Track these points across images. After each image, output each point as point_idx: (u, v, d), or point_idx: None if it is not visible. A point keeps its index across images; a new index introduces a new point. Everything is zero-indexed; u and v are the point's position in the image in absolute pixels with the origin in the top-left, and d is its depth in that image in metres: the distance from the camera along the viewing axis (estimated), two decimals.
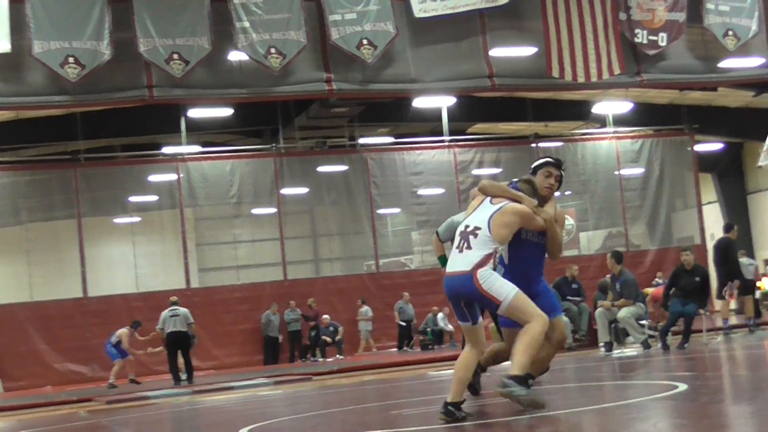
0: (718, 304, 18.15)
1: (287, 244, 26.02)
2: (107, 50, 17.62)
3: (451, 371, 6.86)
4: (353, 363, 20.98)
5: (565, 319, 16.93)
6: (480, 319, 7.05)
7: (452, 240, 9.41)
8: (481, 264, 6.84)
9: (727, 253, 17.61)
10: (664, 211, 29.05)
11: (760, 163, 28.10)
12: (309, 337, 24.88)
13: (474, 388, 8.40)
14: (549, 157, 7.94)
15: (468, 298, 6.93)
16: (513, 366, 6.77)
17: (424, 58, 19.96)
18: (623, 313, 15.12)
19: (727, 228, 18.48)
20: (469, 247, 6.95)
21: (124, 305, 23.61)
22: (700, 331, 15.85)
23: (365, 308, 25.28)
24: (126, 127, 25.80)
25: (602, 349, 15.37)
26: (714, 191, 37.49)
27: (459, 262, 6.99)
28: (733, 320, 17.71)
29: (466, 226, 7.11)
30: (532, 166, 7.75)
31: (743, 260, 26.67)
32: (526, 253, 7.44)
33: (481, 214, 7.09)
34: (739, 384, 9.07)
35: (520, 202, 7.10)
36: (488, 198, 7.20)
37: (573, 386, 9.97)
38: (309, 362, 23.98)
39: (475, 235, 6.96)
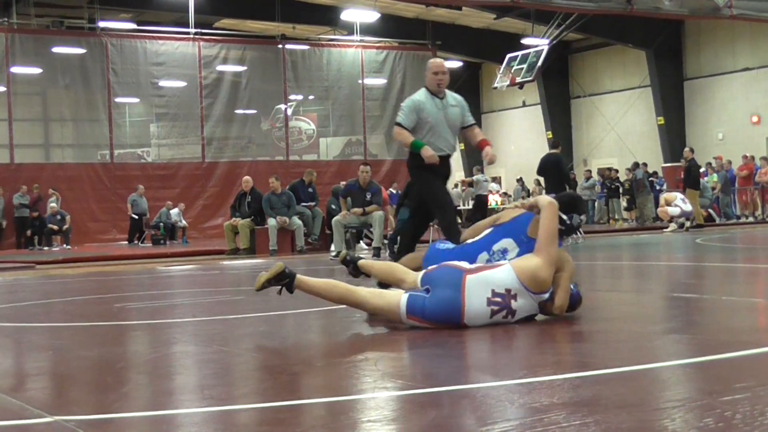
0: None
1: (16, 126, 24.84)
2: None
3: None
4: (80, 254, 20.38)
5: (298, 222, 17.23)
6: None
7: (419, 125, 8.52)
8: None
9: (559, 167, 18.38)
10: None
11: (496, 85, 29.37)
12: (32, 225, 23.97)
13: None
14: None
15: None
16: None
17: None
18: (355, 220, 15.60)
19: (554, 144, 19.30)
20: None
21: None
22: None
23: (55, 195, 24.51)
24: None
25: (332, 253, 15.71)
26: None
27: None
28: None
29: None
30: None
31: (479, 176, 27.97)
32: None
33: None
34: None
35: None
36: None
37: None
38: (35, 251, 23.10)
39: None
